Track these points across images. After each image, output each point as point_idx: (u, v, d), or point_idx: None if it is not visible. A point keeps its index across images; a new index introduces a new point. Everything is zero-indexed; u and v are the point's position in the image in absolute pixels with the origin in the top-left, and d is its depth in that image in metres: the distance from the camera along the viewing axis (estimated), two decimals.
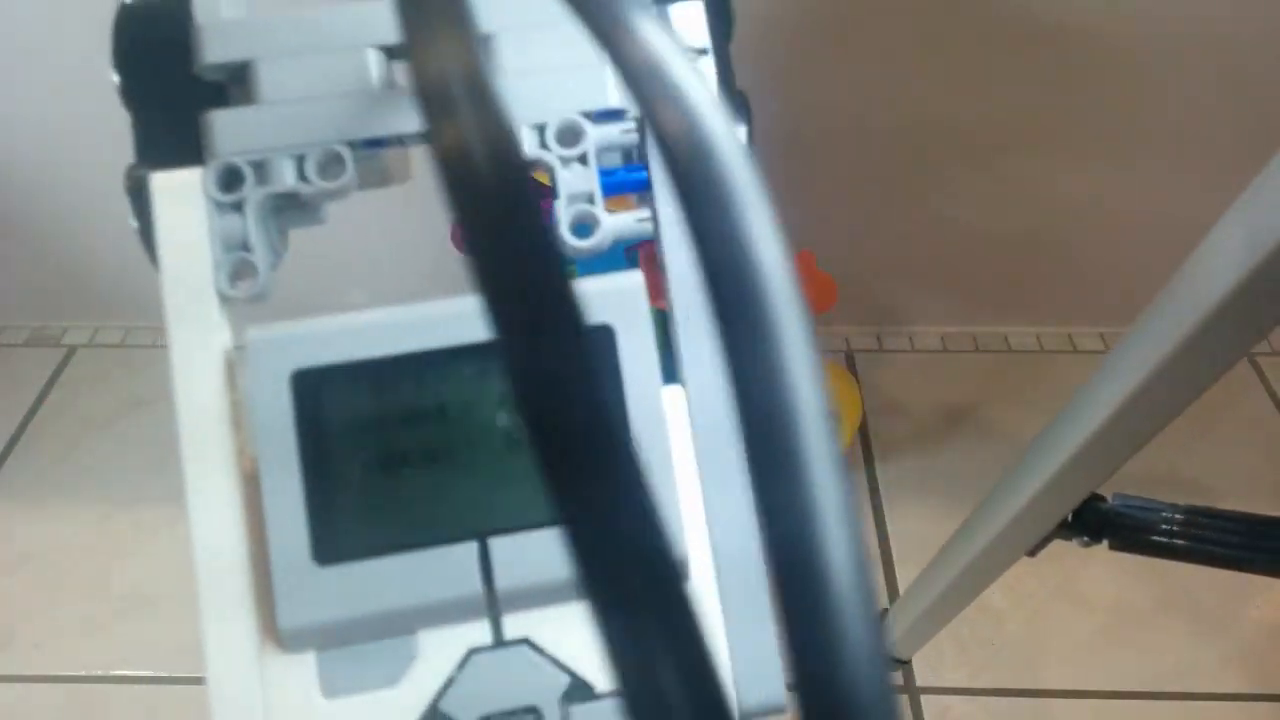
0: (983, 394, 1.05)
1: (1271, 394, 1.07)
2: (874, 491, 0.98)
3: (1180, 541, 0.55)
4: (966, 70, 0.87)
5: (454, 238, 0.88)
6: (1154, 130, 0.92)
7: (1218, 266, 0.36)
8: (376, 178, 0.20)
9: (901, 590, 0.89)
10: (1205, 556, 0.55)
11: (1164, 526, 0.55)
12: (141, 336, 1.13)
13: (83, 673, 0.84)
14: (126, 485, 0.98)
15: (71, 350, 1.12)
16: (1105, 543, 0.56)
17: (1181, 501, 0.56)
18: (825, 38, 0.85)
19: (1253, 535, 0.54)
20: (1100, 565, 0.88)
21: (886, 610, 0.75)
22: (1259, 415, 1.05)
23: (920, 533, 0.92)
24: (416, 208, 0.91)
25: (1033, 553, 0.56)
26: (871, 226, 1.00)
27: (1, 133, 0.99)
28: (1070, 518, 0.55)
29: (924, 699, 0.82)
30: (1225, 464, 0.99)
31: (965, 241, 1.02)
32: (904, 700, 0.83)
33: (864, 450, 1.02)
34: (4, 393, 1.07)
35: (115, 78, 0.19)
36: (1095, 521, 0.55)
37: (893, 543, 0.93)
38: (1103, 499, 0.57)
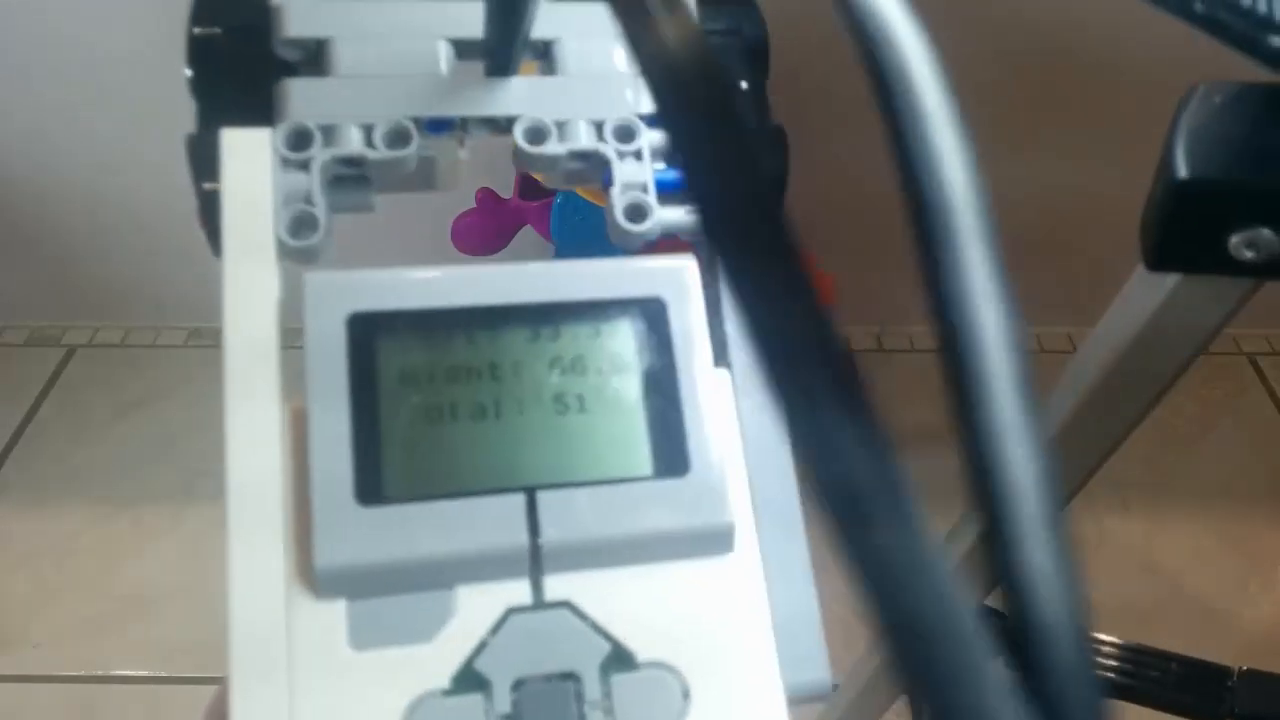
0: None
1: (1271, 394, 1.07)
2: None
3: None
4: (966, 69, 0.87)
5: (455, 237, 0.88)
6: (1156, 130, 0.92)
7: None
8: (429, 176, 0.21)
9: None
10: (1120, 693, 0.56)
11: None
12: (141, 336, 1.13)
13: (83, 673, 0.84)
14: (126, 485, 0.98)
15: (71, 350, 1.12)
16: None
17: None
18: (823, 37, 0.84)
19: (1141, 664, 0.57)
20: (1099, 566, 0.88)
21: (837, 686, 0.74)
22: (1258, 415, 1.05)
23: None
24: (418, 209, 0.91)
25: None
26: (871, 226, 1.00)
27: (1, 134, 0.99)
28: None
29: None
30: (1225, 464, 0.99)
31: None
32: (903, 700, 0.83)
33: None
34: (4, 393, 1.07)
35: (186, 70, 0.20)
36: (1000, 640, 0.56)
37: None
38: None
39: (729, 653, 0.17)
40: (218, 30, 0.20)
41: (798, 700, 0.17)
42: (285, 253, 0.18)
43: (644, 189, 0.20)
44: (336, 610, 0.16)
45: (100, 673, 0.84)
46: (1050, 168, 0.96)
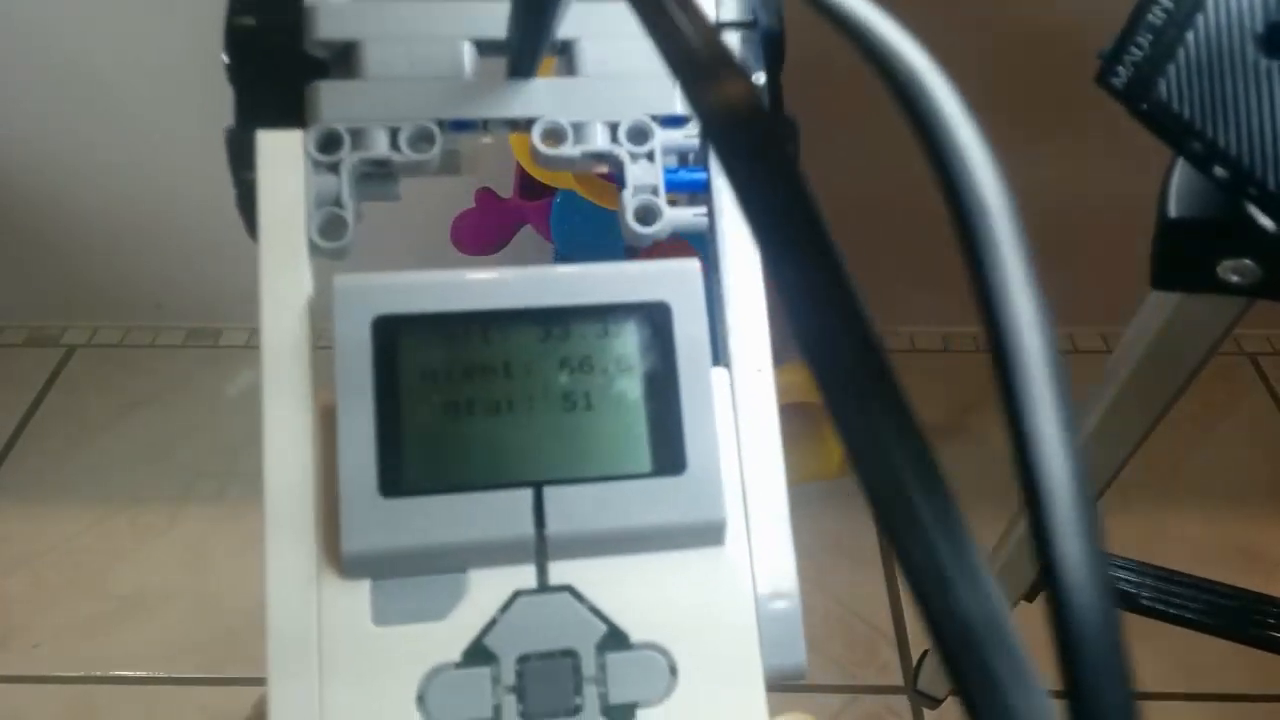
0: (983, 394, 1.05)
1: (1272, 394, 1.07)
2: None
3: (1148, 603, 0.63)
4: (967, 68, 0.87)
5: (455, 237, 0.88)
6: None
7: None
8: (452, 164, 0.22)
9: (902, 590, 0.89)
10: (1173, 619, 0.62)
11: (1129, 590, 0.63)
12: (141, 336, 1.13)
13: (83, 673, 0.84)
14: (126, 485, 0.98)
15: (71, 350, 1.12)
16: None
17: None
18: (823, 35, 0.84)
19: (1212, 602, 0.63)
20: None
21: (925, 653, 0.76)
22: (1259, 415, 1.05)
23: None
24: (418, 209, 0.91)
25: (1030, 598, 0.58)
26: (871, 226, 1.00)
27: (1, 133, 0.99)
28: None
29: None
30: (1225, 464, 0.99)
31: None
32: (904, 701, 0.83)
33: None
34: (4, 393, 1.07)
35: (224, 57, 0.21)
36: None
37: None
38: None
39: (714, 637, 0.18)
40: (253, 22, 0.21)
41: (776, 682, 0.18)
42: (316, 252, 0.19)
43: (655, 191, 0.21)
44: (361, 590, 0.18)
45: (100, 673, 0.84)
46: (1055, 169, 0.96)
